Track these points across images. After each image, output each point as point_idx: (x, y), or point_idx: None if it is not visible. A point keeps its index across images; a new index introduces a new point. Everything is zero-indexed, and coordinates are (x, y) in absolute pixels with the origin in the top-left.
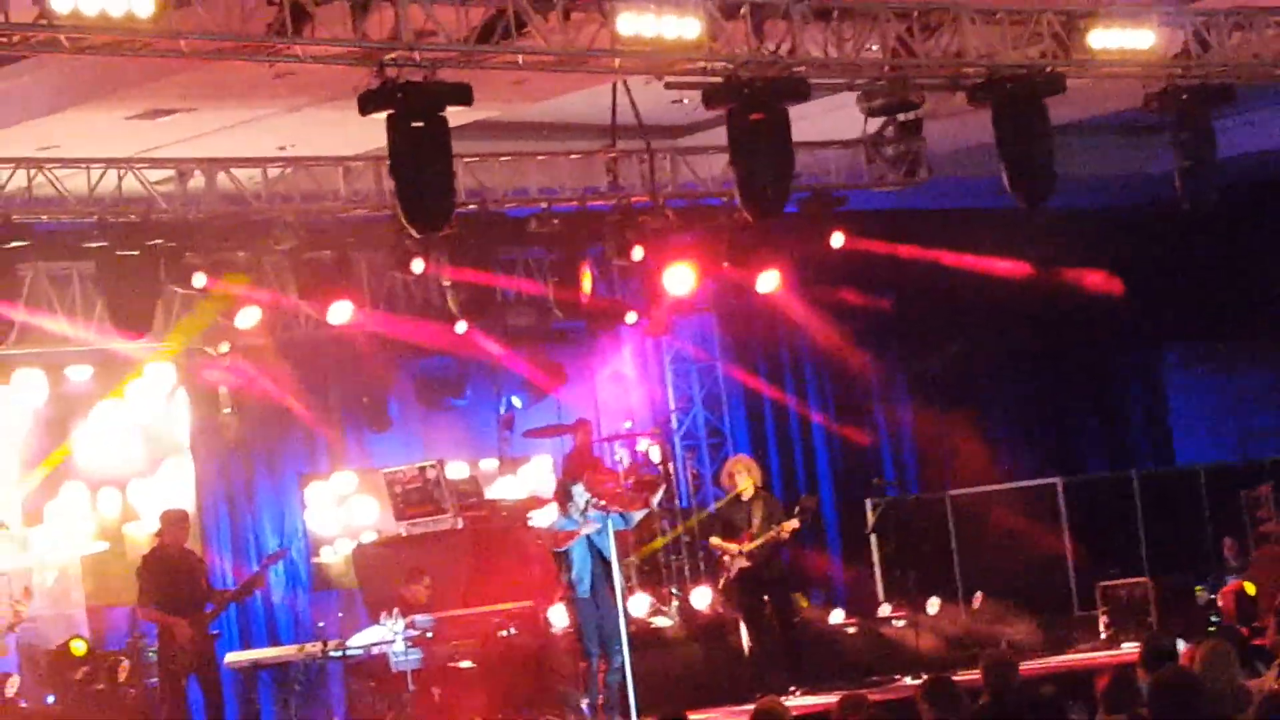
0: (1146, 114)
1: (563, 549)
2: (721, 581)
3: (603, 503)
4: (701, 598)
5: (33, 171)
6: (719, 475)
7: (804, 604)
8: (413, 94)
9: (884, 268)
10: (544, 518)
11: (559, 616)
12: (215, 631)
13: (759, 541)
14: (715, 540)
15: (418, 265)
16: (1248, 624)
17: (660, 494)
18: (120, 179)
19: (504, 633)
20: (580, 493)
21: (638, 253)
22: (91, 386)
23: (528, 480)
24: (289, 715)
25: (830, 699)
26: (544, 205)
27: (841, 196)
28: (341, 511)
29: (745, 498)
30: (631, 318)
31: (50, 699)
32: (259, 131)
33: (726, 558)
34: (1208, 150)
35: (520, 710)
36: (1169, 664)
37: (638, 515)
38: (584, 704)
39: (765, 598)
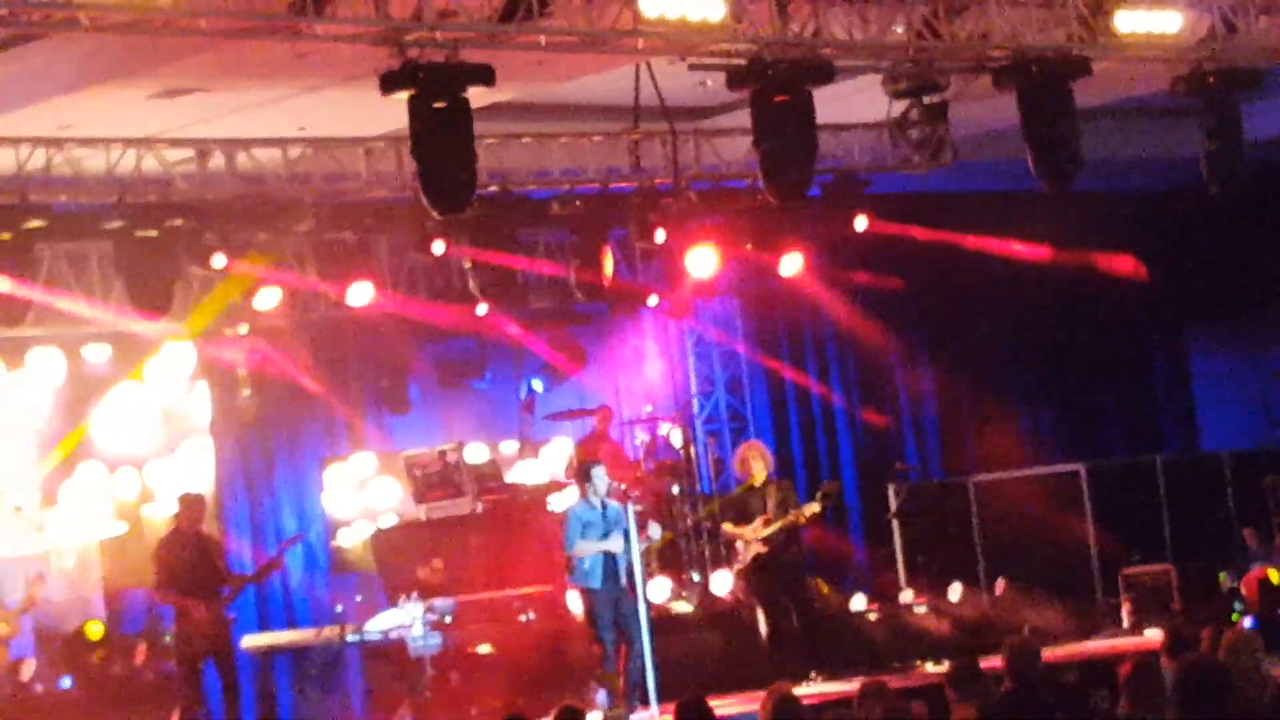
0: (1173, 98)
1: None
2: (737, 567)
3: (622, 487)
4: (722, 583)
5: (51, 151)
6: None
7: (825, 589)
8: (434, 74)
9: (908, 251)
10: (564, 501)
11: (577, 602)
12: (232, 615)
13: (775, 527)
14: (728, 527)
15: (438, 247)
16: (1271, 611)
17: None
18: (139, 159)
19: (523, 617)
20: (600, 475)
21: (660, 235)
22: (109, 367)
23: (548, 463)
24: (306, 699)
25: (851, 685)
26: (566, 187)
27: (865, 179)
28: (360, 494)
29: (758, 484)
30: (653, 300)
31: (66, 682)
32: (279, 112)
33: (740, 544)
34: (1234, 134)
35: (539, 695)
36: (1194, 652)
37: (650, 541)
38: (601, 692)
39: (782, 583)
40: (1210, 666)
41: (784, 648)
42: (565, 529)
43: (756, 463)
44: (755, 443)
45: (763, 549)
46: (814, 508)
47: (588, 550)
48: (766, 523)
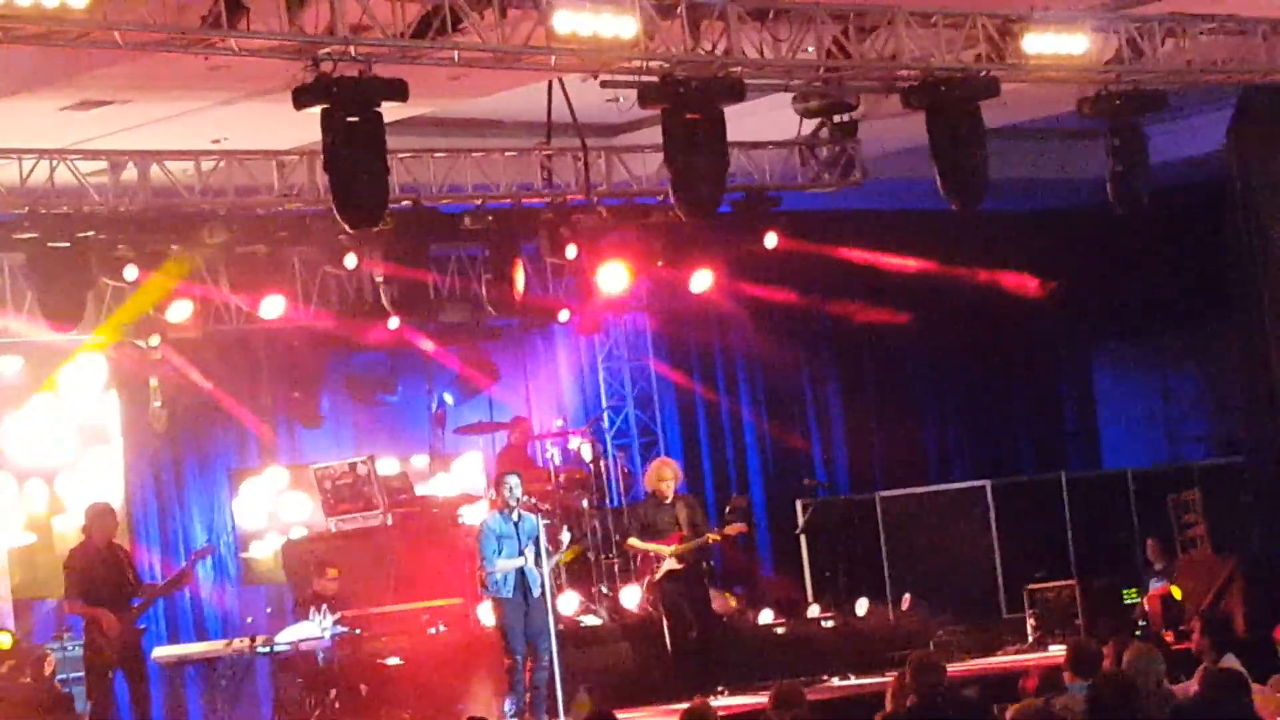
0: (1079, 119)
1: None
2: (646, 581)
3: (532, 500)
4: (631, 597)
5: None
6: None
7: (733, 603)
8: (347, 89)
9: (817, 269)
10: (475, 514)
11: (488, 614)
12: (142, 626)
13: (693, 544)
14: (636, 541)
15: (351, 260)
16: (1173, 628)
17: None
18: (52, 170)
19: (433, 629)
20: (516, 484)
21: (571, 251)
22: (21, 378)
23: (459, 477)
24: (216, 711)
25: (757, 699)
26: (478, 202)
27: (776, 197)
28: (271, 507)
29: (666, 500)
30: (564, 315)
31: None
32: (193, 124)
33: (654, 559)
34: (1139, 155)
35: (448, 707)
36: (1101, 669)
37: (562, 552)
38: (508, 703)
39: (690, 597)
40: (1119, 682)
41: (689, 661)
42: (481, 543)
43: (669, 482)
44: (668, 459)
45: (676, 565)
46: (740, 527)
47: (507, 567)
48: (681, 539)
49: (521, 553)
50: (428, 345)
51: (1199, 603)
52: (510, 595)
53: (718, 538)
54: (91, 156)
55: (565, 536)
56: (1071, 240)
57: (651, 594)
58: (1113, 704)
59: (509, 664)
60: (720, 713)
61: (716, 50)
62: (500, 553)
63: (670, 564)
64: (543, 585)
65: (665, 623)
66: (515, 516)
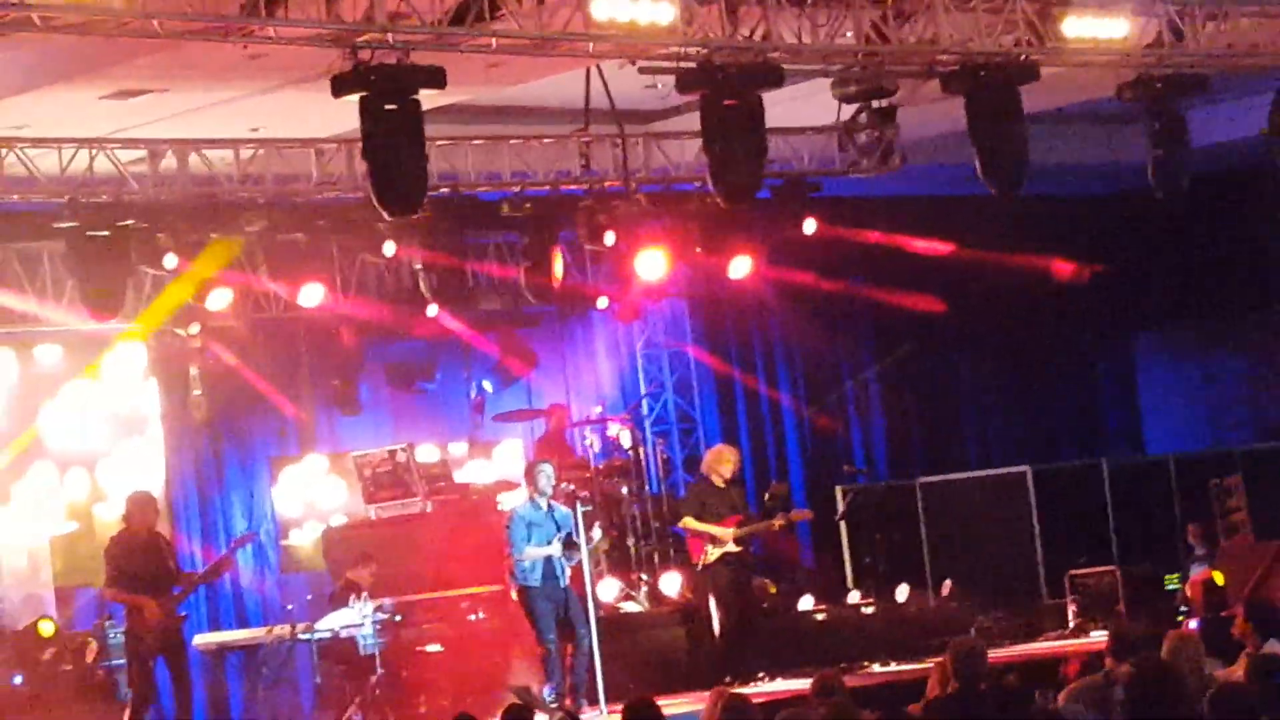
0: (1120, 103)
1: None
2: (700, 564)
3: (571, 488)
4: (671, 583)
5: (4, 151)
6: (688, 461)
7: (773, 589)
8: (386, 77)
9: (856, 255)
10: (513, 501)
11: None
12: (183, 613)
13: (759, 526)
14: (692, 521)
15: (389, 248)
16: (1216, 614)
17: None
18: (92, 159)
19: (472, 616)
20: (547, 474)
21: (610, 237)
22: (61, 367)
23: (498, 464)
24: (257, 697)
25: (797, 684)
26: (516, 189)
27: (815, 183)
28: (311, 494)
29: (723, 485)
30: (603, 302)
31: (18, 679)
32: (231, 113)
33: (709, 542)
34: (1180, 139)
35: (487, 694)
36: (1144, 655)
37: (594, 545)
38: (547, 690)
39: (737, 583)
40: (1162, 668)
41: (735, 646)
42: (510, 530)
43: (728, 464)
44: (731, 446)
45: (735, 548)
46: (806, 513)
47: (536, 554)
48: (739, 522)
49: (552, 541)
50: (466, 333)
51: (1241, 588)
52: (538, 584)
53: (784, 522)
54: (131, 145)
55: (597, 533)
56: (1112, 225)
57: (698, 578)
58: (1152, 689)
59: (542, 653)
60: (760, 699)
61: (755, 36)
62: (530, 540)
63: (729, 546)
64: (569, 574)
65: (715, 606)
66: (546, 505)
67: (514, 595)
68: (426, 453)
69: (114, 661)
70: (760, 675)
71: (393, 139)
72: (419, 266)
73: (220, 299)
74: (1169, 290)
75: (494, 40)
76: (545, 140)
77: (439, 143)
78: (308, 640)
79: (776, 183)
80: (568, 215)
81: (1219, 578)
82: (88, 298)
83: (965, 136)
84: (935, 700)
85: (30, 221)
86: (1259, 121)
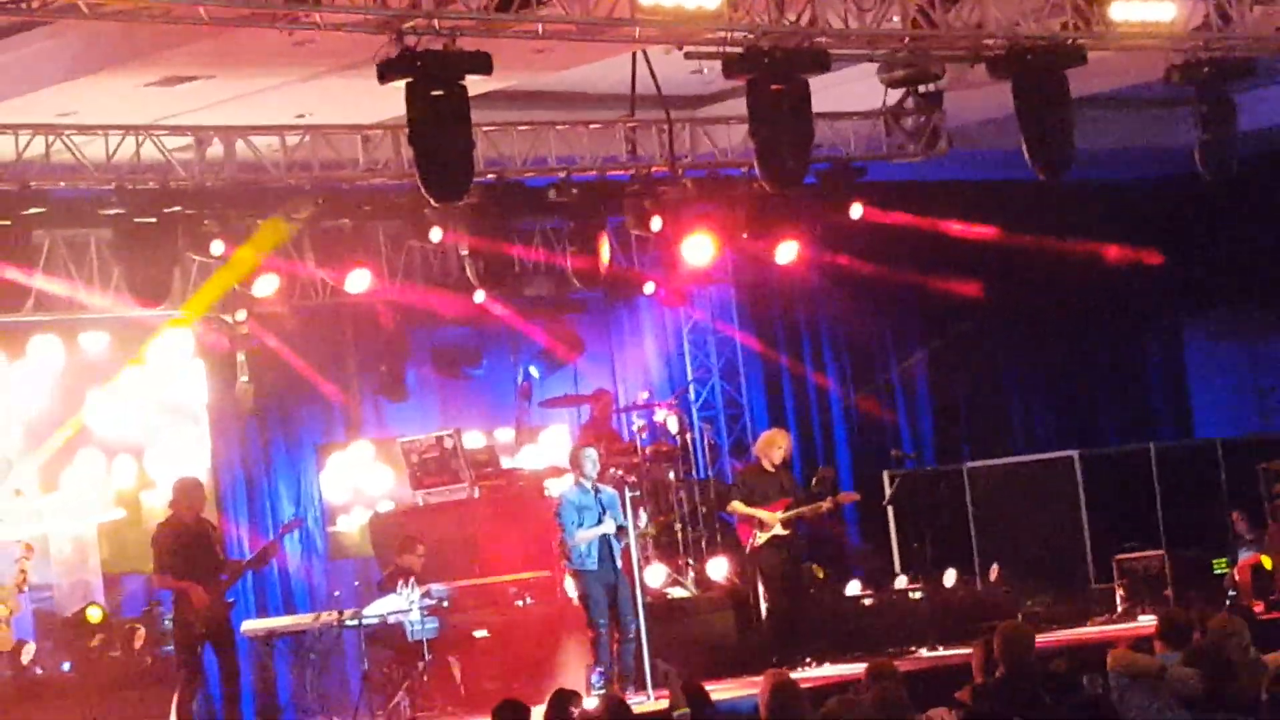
0: (1167, 87)
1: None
2: (749, 547)
3: (619, 473)
4: (718, 568)
5: (51, 138)
6: (735, 446)
7: (820, 574)
8: (432, 62)
9: (903, 239)
10: (560, 487)
11: (573, 587)
12: (231, 600)
13: (806, 509)
14: (740, 505)
15: (436, 234)
16: (1264, 598)
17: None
18: (138, 146)
19: (520, 602)
20: (592, 458)
21: (656, 223)
22: (108, 354)
23: (544, 450)
24: (305, 683)
25: (845, 669)
26: (563, 175)
27: (861, 168)
28: (358, 480)
29: (772, 469)
30: (649, 288)
31: (66, 666)
32: (277, 99)
33: (757, 526)
34: (1228, 123)
35: (535, 680)
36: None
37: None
38: (595, 675)
39: (785, 567)
40: (1215, 651)
41: (783, 631)
42: (561, 516)
43: (779, 448)
44: (784, 430)
45: (783, 531)
46: (854, 495)
47: (588, 537)
48: (788, 506)
49: (602, 520)
50: (513, 318)
51: None
52: (595, 567)
53: (831, 505)
54: (177, 132)
55: (641, 521)
56: (1161, 209)
57: (747, 561)
58: (1208, 674)
59: (593, 635)
60: (807, 684)
61: (801, 20)
62: (581, 524)
63: (777, 529)
64: (626, 556)
65: (762, 589)
66: (593, 488)
67: (568, 580)
68: (473, 438)
69: (162, 648)
70: (807, 660)
71: (439, 125)
72: (465, 252)
73: (267, 285)
74: (1217, 274)
75: (540, 26)
76: (592, 126)
77: (485, 128)
78: (355, 626)
79: (823, 167)
80: (614, 201)
81: (1267, 562)
82: (134, 285)
83: (1012, 121)
84: (983, 685)
85: (77, 208)
86: None
